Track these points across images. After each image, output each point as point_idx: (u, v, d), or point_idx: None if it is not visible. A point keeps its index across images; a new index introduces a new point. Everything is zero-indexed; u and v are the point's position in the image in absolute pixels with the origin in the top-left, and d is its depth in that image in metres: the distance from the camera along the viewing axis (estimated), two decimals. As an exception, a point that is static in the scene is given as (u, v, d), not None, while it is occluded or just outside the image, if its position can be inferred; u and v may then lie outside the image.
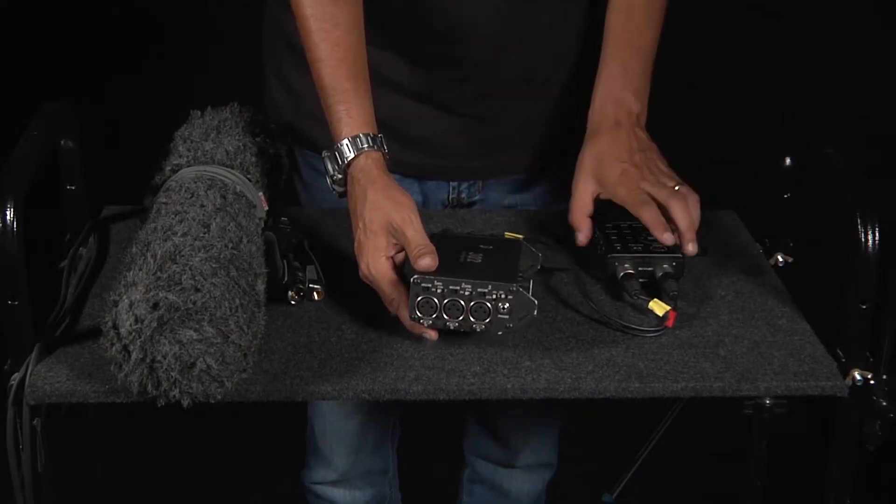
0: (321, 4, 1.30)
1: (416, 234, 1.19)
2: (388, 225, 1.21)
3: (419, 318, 1.18)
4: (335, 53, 1.29)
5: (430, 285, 1.17)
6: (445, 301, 1.17)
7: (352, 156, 1.26)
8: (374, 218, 1.22)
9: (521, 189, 1.56)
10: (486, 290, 1.17)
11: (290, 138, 1.52)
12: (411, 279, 1.18)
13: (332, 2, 1.30)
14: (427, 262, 1.17)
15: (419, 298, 1.18)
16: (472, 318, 1.18)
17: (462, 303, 1.17)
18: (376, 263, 1.21)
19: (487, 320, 1.18)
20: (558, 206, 1.56)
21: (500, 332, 1.19)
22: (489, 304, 1.17)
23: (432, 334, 1.20)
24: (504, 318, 1.18)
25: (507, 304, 1.17)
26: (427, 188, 1.54)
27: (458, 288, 1.17)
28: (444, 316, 1.18)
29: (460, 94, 1.46)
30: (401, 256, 1.23)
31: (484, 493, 1.91)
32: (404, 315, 1.20)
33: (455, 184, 1.55)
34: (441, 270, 1.18)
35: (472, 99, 1.47)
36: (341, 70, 1.29)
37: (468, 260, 1.21)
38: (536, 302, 1.19)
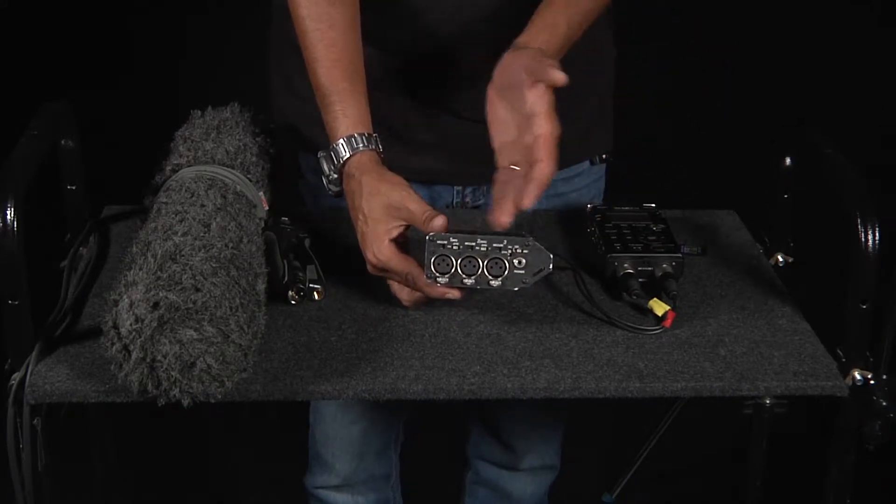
0: (317, 5, 1.30)
1: (418, 205, 1.20)
2: (387, 207, 1.21)
3: (435, 277, 1.19)
4: (331, 54, 1.30)
5: (445, 242, 1.18)
6: (461, 258, 1.18)
7: (347, 155, 1.27)
8: (372, 205, 1.22)
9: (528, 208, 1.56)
10: (501, 245, 1.18)
11: (294, 142, 1.52)
12: (427, 237, 1.18)
13: (328, 3, 1.30)
14: (439, 222, 1.18)
15: (435, 257, 1.18)
16: (488, 275, 1.19)
17: (478, 259, 1.18)
18: (381, 247, 1.21)
19: (504, 275, 1.19)
20: (560, 207, 1.57)
21: (516, 289, 1.20)
22: (505, 260, 1.18)
23: (455, 293, 1.21)
24: (520, 274, 1.19)
25: (523, 259, 1.18)
26: (433, 192, 1.54)
27: (473, 244, 1.18)
28: (461, 273, 1.19)
29: (465, 98, 1.46)
30: (405, 236, 1.23)
31: (487, 496, 1.91)
32: (423, 284, 1.20)
33: (460, 187, 1.55)
34: (465, 227, 1.19)
35: (477, 103, 1.47)
36: (337, 70, 1.29)
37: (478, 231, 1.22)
38: (552, 256, 1.19)
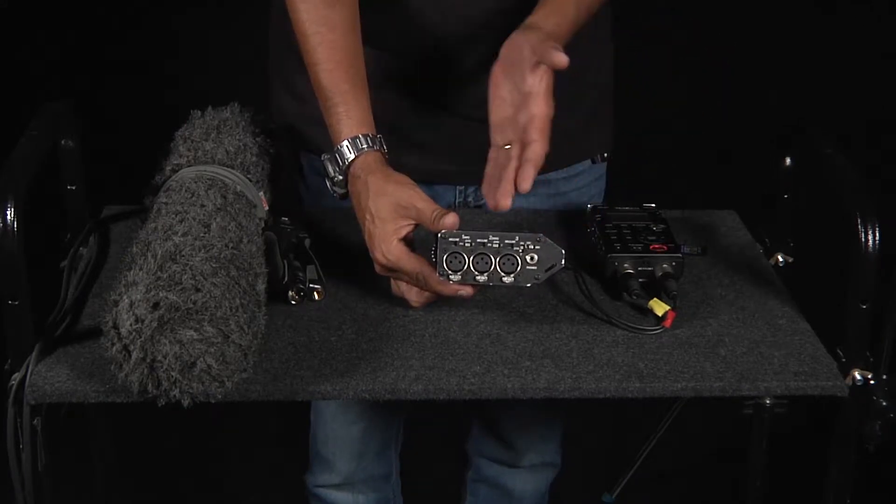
0: (316, 8, 1.30)
1: (427, 203, 1.20)
2: (395, 207, 1.21)
3: (448, 275, 1.19)
4: (332, 56, 1.30)
5: (457, 239, 1.19)
6: (473, 255, 1.19)
7: (352, 157, 1.27)
8: (380, 205, 1.22)
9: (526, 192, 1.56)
10: (513, 242, 1.19)
11: (294, 142, 1.52)
12: (438, 235, 1.19)
13: (327, 5, 1.30)
14: (450, 219, 1.18)
15: (447, 254, 1.19)
16: (500, 271, 1.19)
17: (490, 256, 1.19)
18: (390, 247, 1.21)
19: (516, 272, 1.19)
20: (564, 208, 1.56)
21: (528, 285, 1.21)
22: (517, 256, 1.19)
23: (467, 290, 1.21)
24: (532, 270, 1.20)
25: (535, 255, 1.19)
26: (434, 192, 1.54)
27: (485, 241, 1.19)
28: (473, 270, 1.19)
29: (466, 97, 1.46)
30: (412, 235, 1.23)
31: (488, 493, 1.91)
32: (435, 282, 1.20)
33: (461, 187, 1.55)
34: (466, 227, 1.20)
35: (477, 102, 1.47)
36: (339, 72, 1.29)
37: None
38: (564, 251, 1.20)
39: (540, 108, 1.22)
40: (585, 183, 1.58)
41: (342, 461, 1.73)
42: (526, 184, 1.19)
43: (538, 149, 1.21)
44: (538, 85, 1.22)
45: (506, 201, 1.19)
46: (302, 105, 1.49)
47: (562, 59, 1.20)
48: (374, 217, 1.22)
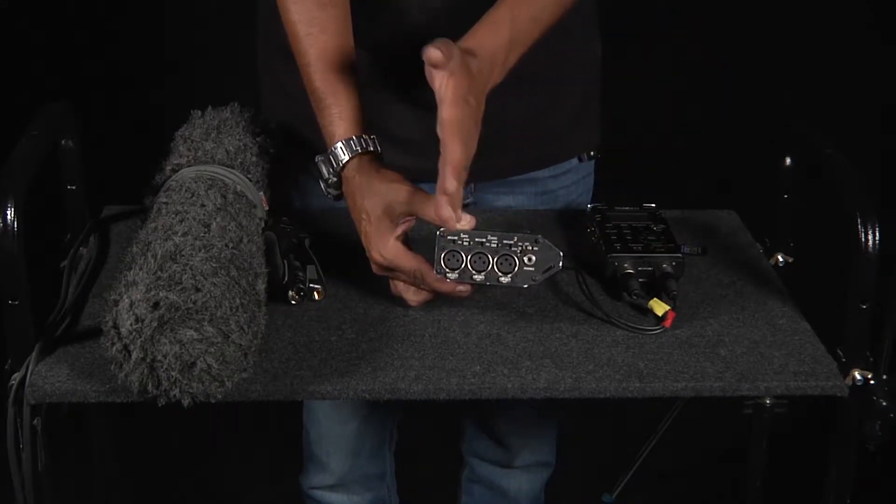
0: (308, 10, 1.30)
1: (424, 196, 1.19)
2: (390, 205, 1.21)
3: (445, 273, 1.19)
4: (324, 57, 1.29)
5: (455, 238, 1.19)
6: (471, 254, 1.19)
7: (346, 158, 1.26)
8: (374, 204, 1.22)
9: (514, 191, 1.56)
10: (511, 242, 1.19)
11: (285, 141, 1.51)
12: (437, 233, 1.19)
13: (318, 7, 1.30)
14: (466, 220, 1.17)
15: (445, 252, 1.19)
16: (497, 271, 1.20)
17: (488, 255, 1.19)
18: (387, 246, 1.21)
19: (513, 272, 1.20)
20: (552, 206, 1.56)
21: (525, 286, 1.21)
22: (515, 257, 1.19)
23: (465, 288, 1.21)
24: (530, 271, 1.20)
25: (533, 256, 1.19)
26: None
27: (483, 240, 1.19)
28: (470, 269, 1.20)
29: None
30: (407, 234, 1.23)
31: (483, 493, 1.91)
32: (432, 280, 1.20)
33: None
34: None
35: None
36: (331, 74, 1.29)
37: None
38: (562, 254, 1.20)
39: (447, 113, 1.16)
40: (573, 181, 1.58)
41: (336, 461, 1.73)
42: (448, 185, 1.15)
43: (450, 150, 1.15)
44: (443, 91, 1.17)
45: (443, 211, 1.16)
46: (292, 104, 1.49)
47: (429, 54, 1.15)
48: (369, 217, 1.22)
